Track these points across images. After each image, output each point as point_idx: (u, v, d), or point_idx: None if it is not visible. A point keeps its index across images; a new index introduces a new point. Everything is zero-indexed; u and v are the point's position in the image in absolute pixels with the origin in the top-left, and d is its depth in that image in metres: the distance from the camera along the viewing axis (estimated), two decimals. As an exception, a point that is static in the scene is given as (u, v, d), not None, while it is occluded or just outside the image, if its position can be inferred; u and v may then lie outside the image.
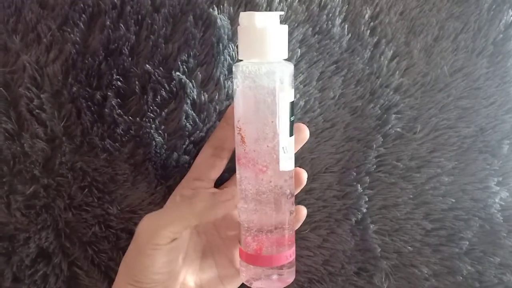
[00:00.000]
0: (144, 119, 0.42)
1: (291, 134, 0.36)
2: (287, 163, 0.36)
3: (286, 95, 0.35)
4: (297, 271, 0.45)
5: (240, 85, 0.36)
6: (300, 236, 0.45)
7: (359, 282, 0.46)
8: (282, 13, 0.36)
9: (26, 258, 0.43)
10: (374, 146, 0.44)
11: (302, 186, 0.40)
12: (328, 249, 0.45)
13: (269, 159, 0.36)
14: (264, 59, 0.35)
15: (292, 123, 0.36)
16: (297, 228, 0.41)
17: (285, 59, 0.37)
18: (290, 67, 0.36)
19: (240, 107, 0.36)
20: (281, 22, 0.42)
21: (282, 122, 0.36)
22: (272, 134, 0.36)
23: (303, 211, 0.41)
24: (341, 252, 0.45)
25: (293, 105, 0.36)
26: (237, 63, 0.36)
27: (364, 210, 0.45)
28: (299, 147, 0.41)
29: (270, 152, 0.36)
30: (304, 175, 0.40)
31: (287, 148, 0.36)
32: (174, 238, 0.35)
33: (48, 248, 0.43)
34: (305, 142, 0.40)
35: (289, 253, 0.38)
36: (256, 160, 0.36)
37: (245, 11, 0.42)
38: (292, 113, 0.36)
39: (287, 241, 0.38)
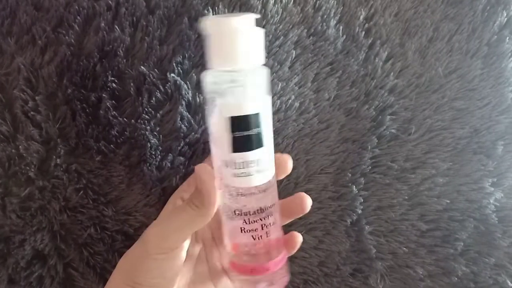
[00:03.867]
0: (139, 120, 0.42)
1: (234, 150, 0.33)
2: (231, 179, 0.34)
3: (224, 108, 0.33)
4: (292, 273, 0.45)
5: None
6: (295, 237, 0.45)
7: (355, 283, 0.46)
8: (256, 16, 0.33)
9: (21, 260, 0.43)
10: (369, 147, 0.44)
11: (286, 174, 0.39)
12: (324, 250, 0.45)
13: (218, 174, 0.35)
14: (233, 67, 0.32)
15: (237, 139, 0.33)
16: (290, 254, 0.40)
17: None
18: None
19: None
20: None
21: (220, 134, 0.33)
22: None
23: (298, 238, 0.39)
24: (336, 253, 0.45)
25: (244, 119, 0.33)
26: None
27: (359, 211, 0.45)
28: (282, 177, 0.39)
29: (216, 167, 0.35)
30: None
31: (230, 163, 0.34)
32: (183, 242, 0.35)
33: (44, 250, 0.43)
34: (287, 173, 0.39)
35: (267, 265, 0.36)
36: (219, 176, 0.35)
37: (239, 12, 0.42)
38: (237, 128, 0.33)
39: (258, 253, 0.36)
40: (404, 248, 0.45)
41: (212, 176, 0.35)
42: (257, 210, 0.35)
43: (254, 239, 0.36)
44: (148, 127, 0.42)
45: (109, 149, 0.42)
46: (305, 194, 0.39)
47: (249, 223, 0.35)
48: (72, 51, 0.41)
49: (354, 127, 0.44)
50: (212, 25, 0.32)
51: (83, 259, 0.44)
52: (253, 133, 0.33)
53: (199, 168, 0.35)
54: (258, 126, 0.33)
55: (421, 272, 0.46)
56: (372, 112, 0.44)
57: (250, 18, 0.32)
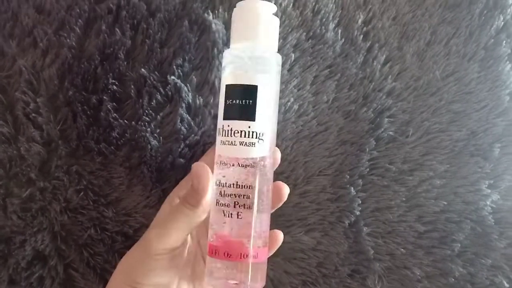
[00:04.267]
0: (139, 122, 0.42)
1: (223, 117, 0.36)
2: (218, 146, 0.37)
3: (224, 77, 0.37)
4: (291, 274, 0.46)
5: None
6: (294, 239, 0.45)
7: (353, 284, 0.46)
8: (275, 8, 0.37)
9: (22, 260, 0.43)
10: (367, 149, 0.45)
11: (282, 202, 0.39)
12: (322, 251, 0.46)
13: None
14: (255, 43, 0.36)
15: (227, 106, 0.36)
16: (272, 253, 0.39)
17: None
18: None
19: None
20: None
21: (220, 102, 0.37)
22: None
23: (279, 235, 0.39)
24: (334, 254, 0.46)
25: (237, 87, 0.36)
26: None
27: (357, 213, 0.45)
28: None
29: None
30: (285, 190, 0.38)
31: (220, 130, 0.36)
32: (183, 240, 0.36)
33: (44, 250, 0.44)
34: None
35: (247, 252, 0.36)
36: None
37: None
38: (229, 95, 0.36)
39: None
40: (402, 249, 0.46)
41: (208, 174, 0.35)
42: (233, 183, 0.35)
43: (224, 215, 0.35)
44: (149, 129, 0.42)
45: (110, 150, 0.43)
46: (283, 183, 0.39)
47: (223, 196, 0.36)
48: (73, 54, 0.41)
49: (353, 129, 0.45)
50: (239, 7, 0.37)
51: (83, 259, 0.44)
52: (243, 103, 0.35)
53: (196, 166, 0.36)
54: (251, 98, 0.35)
55: (418, 273, 0.46)
56: (370, 114, 0.44)
57: (272, 6, 0.37)
